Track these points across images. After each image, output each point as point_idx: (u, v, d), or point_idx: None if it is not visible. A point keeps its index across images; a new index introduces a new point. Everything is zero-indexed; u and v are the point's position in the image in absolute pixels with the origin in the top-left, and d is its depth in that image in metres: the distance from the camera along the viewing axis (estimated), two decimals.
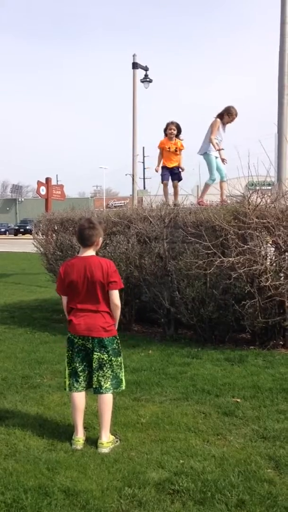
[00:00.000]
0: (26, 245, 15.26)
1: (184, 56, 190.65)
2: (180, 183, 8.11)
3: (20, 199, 72.37)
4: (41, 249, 8.28)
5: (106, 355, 3.31)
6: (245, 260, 5.19)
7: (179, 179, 8.08)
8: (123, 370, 3.44)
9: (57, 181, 62.22)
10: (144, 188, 54.80)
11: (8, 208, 70.87)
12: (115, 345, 3.37)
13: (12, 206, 70.99)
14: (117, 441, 3.32)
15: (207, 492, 2.67)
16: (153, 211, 6.45)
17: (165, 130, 7.98)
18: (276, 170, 8.26)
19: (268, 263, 5.42)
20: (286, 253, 5.39)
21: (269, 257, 5.57)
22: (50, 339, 6.20)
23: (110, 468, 2.97)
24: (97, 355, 3.30)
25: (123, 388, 3.50)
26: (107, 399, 3.33)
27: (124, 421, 3.64)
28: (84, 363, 3.36)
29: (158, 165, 8.04)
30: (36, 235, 8.56)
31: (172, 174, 7.96)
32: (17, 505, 2.60)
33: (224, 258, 5.20)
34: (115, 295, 3.33)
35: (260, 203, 5.46)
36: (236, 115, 7.28)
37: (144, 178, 62.23)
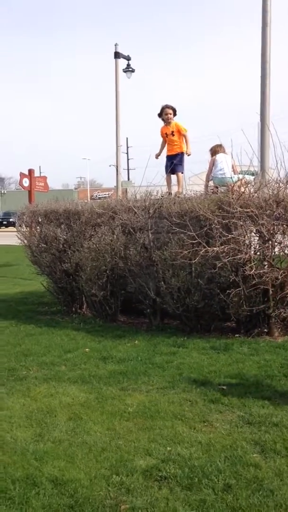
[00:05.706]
0: (9, 237, 15.13)
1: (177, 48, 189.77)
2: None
3: (2, 191, 71.65)
4: (25, 241, 8.20)
5: None
6: (229, 249, 5.23)
7: (181, 171, 7.69)
8: None
9: (40, 172, 61.58)
10: (128, 179, 54.65)
11: None
12: None
13: None
14: None
15: (194, 478, 2.71)
16: (138, 202, 6.43)
17: (160, 115, 7.67)
18: (259, 159, 8.28)
19: (252, 252, 5.47)
20: (270, 242, 5.44)
21: (253, 246, 5.62)
22: (35, 332, 6.17)
23: (97, 457, 2.98)
24: None
25: None
26: None
27: (111, 410, 3.66)
28: None
29: (159, 153, 7.81)
30: (19, 227, 8.48)
31: (175, 165, 7.61)
32: (5, 496, 2.60)
33: (209, 248, 5.23)
34: None
35: (243, 192, 5.49)
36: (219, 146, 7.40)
37: (128, 169, 62.06)
